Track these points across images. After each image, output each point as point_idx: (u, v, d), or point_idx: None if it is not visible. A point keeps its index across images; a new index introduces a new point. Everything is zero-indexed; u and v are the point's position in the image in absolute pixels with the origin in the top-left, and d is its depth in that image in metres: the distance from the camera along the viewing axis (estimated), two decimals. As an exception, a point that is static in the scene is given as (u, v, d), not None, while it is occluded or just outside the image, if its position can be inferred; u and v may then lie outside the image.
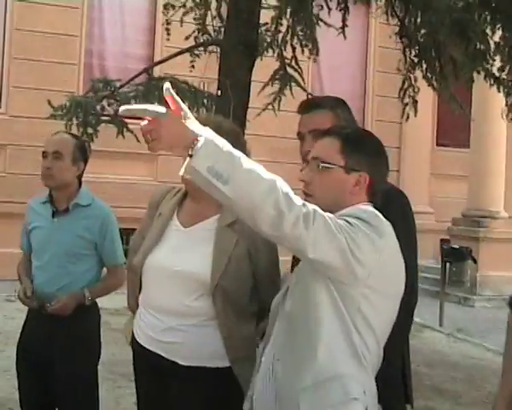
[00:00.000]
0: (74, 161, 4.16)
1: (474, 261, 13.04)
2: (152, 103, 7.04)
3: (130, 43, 14.06)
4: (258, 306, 3.32)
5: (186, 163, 2.14)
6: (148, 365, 3.33)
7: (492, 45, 8.45)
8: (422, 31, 8.94)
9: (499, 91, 8.65)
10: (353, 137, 2.63)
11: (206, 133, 2.14)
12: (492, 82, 8.66)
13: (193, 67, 8.97)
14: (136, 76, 8.97)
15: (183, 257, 3.23)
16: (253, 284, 3.30)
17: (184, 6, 8.02)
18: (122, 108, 2.15)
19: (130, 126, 9.02)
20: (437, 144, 16.25)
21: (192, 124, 2.15)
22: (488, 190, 13.75)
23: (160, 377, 3.28)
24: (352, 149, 2.55)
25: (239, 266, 3.23)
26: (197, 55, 8.97)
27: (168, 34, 8.13)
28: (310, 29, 7.34)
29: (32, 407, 4.21)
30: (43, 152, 4.17)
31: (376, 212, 2.49)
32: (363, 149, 2.59)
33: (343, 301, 2.37)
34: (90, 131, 8.95)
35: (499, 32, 8.35)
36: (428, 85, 9.53)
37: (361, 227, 2.33)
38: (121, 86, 8.82)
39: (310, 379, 2.40)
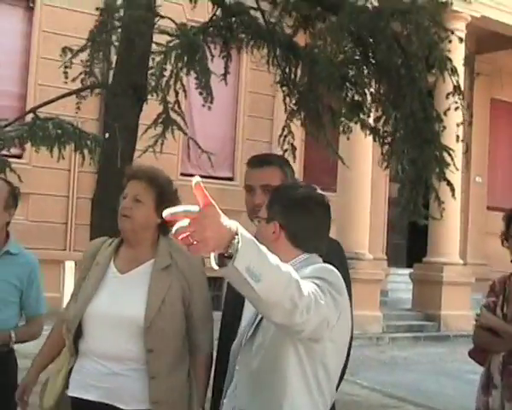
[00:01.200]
0: (6, 207, 4.09)
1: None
2: (36, 143, 7.10)
3: (2, 80, 13.84)
4: (189, 347, 3.49)
5: (215, 257, 2.14)
6: None
7: (369, 97, 8.90)
8: (302, 81, 9.34)
9: (375, 141, 9.10)
10: (276, 191, 2.89)
11: (239, 230, 2.13)
12: (368, 132, 9.10)
13: (79, 108, 9.00)
14: (21, 116, 8.93)
15: (121, 302, 3.38)
16: (186, 326, 3.45)
17: (82, 50, 8.05)
18: (166, 212, 2.07)
19: (13, 166, 8.99)
20: (303, 187, 16.75)
21: (224, 219, 2.12)
22: (354, 232, 14.34)
23: None
24: (272, 202, 2.81)
25: (173, 307, 3.39)
26: (83, 98, 9.01)
27: (66, 77, 8.13)
28: (205, 77, 7.54)
29: None
30: None
31: (333, 268, 2.69)
32: (278, 200, 2.81)
33: (308, 356, 2.58)
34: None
35: (375, 85, 8.80)
36: (306, 133, 9.94)
37: (328, 290, 2.52)
38: (6, 126, 8.73)
39: None
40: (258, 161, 3.64)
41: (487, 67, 16.87)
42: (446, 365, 12.67)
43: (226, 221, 2.10)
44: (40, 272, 4.26)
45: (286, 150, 9.92)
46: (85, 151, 9.32)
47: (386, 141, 8.90)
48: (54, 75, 13.38)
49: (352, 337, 3.03)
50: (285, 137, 9.90)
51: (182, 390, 3.39)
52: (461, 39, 9.11)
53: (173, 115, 9.51)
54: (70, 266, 14.07)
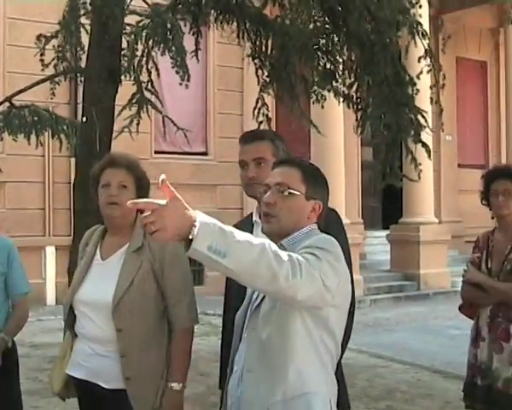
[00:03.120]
0: None
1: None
2: (13, 132, 7.13)
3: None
4: (169, 325, 3.61)
5: (185, 247, 2.35)
6: (81, 393, 3.70)
7: (341, 65, 9.01)
8: (274, 52, 9.42)
9: (349, 108, 9.21)
10: (310, 170, 2.99)
11: (199, 216, 2.34)
12: (342, 99, 9.22)
13: (53, 94, 9.03)
14: (-4, 105, 8.92)
15: (100, 287, 3.56)
16: (162, 304, 3.59)
17: (56, 36, 8.07)
18: (130, 202, 2.33)
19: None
20: (276, 157, 16.82)
21: (186, 209, 2.34)
22: (330, 198, 14.42)
23: (92, 401, 3.62)
24: (311, 180, 2.91)
25: (142, 286, 3.52)
26: (57, 83, 9.04)
27: (43, 65, 8.16)
28: (180, 56, 7.60)
29: None
30: None
31: (332, 238, 2.84)
32: (319, 182, 2.96)
33: (313, 321, 2.73)
34: None
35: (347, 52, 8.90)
36: (277, 104, 10.03)
37: (326, 258, 2.66)
38: (-18, 116, 8.73)
39: (279, 395, 2.73)
40: (250, 137, 3.75)
41: (451, 27, 16.98)
42: (428, 322, 12.90)
43: (188, 212, 2.33)
44: (17, 252, 4.32)
45: (261, 122, 10.02)
46: (62, 136, 9.35)
47: (360, 107, 9.02)
48: (22, 62, 13.42)
49: (354, 301, 3.17)
50: (259, 109, 9.99)
51: (155, 367, 3.52)
52: (429, 2, 9.22)
53: (147, 95, 9.58)
54: (51, 251, 14.12)
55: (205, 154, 16.28)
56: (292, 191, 2.86)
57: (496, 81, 21.11)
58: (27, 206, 14.06)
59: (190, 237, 2.31)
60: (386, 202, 18.72)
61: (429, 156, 8.40)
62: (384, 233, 17.52)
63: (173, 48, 7.59)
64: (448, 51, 17.92)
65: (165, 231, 2.29)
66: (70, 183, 14.24)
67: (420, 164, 8.26)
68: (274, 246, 2.50)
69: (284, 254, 2.49)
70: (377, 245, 17.80)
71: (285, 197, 2.85)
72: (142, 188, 3.63)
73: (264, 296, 2.85)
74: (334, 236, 2.90)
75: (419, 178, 8.39)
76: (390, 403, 7.60)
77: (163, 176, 2.30)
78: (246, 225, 3.64)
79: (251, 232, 3.41)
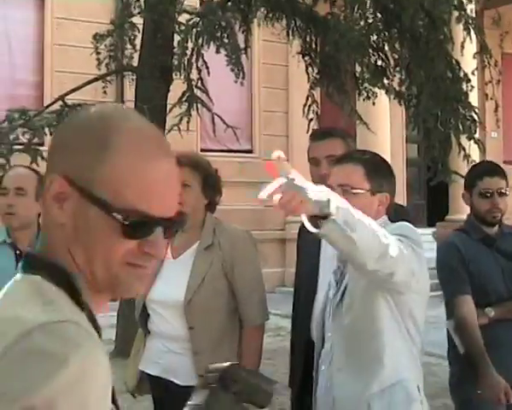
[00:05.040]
0: (37, 197, 3.76)
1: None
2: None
3: (17, 69, 13.91)
4: (240, 323, 3.62)
5: (311, 220, 2.33)
6: (155, 389, 3.73)
7: (392, 61, 8.97)
8: (324, 49, 9.41)
9: (400, 105, 9.17)
10: (373, 163, 2.96)
11: (329, 192, 2.34)
12: (393, 96, 9.17)
13: (105, 93, 9.10)
14: (50, 104, 9.01)
15: (172, 286, 3.58)
16: (233, 301, 3.59)
17: (111, 35, 8.14)
18: (263, 193, 2.26)
19: (45, 154, 9.11)
20: (324, 154, 16.77)
21: (310, 185, 2.30)
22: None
23: (166, 398, 3.62)
24: (375, 174, 2.89)
25: (213, 284, 3.53)
26: (109, 82, 9.12)
27: (99, 64, 8.24)
28: (235, 54, 7.63)
29: None
30: (3, 188, 3.81)
31: (410, 224, 2.83)
32: (383, 173, 2.93)
33: (398, 309, 2.73)
34: (1, 161, 8.91)
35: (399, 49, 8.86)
36: (331, 101, 10.02)
37: (410, 244, 2.66)
38: (35, 115, 8.82)
39: (376, 387, 2.75)
40: (321, 134, 3.76)
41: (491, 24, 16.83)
42: (477, 320, 12.76)
43: (317, 186, 2.31)
44: None
45: (311, 119, 10.01)
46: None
47: (411, 104, 8.97)
48: (69, 61, 13.55)
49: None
50: (309, 106, 9.99)
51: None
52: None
53: (197, 92, 9.63)
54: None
55: (250, 151, 16.28)
56: (356, 191, 2.84)
57: (542, 77, 20.84)
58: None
59: (326, 211, 2.29)
60: (432, 200, 18.58)
61: (483, 153, 8.33)
62: (429, 230, 17.36)
63: (228, 46, 7.59)
64: (493, 47, 17.76)
65: (303, 206, 2.25)
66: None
67: (474, 161, 8.18)
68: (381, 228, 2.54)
69: (388, 234, 2.52)
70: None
71: (350, 197, 2.79)
72: (210, 186, 3.64)
73: (344, 292, 2.85)
74: None
75: (473, 175, 8.29)
76: (446, 401, 7.54)
77: (280, 152, 2.25)
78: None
79: None
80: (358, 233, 2.36)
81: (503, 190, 4.05)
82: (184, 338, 3.51)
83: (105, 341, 6.60)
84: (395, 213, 3.04)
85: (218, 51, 7.93)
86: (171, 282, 3.59)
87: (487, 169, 4.27)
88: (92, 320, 1.27)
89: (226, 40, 7.71)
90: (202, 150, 15.24)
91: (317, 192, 2.27)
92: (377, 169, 2.93)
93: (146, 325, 3.72)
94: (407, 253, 2.58)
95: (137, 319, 3.78)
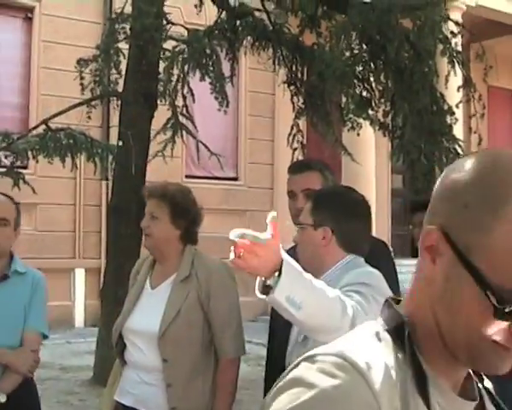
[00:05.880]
0: (16, 226, 3.78)
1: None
2: (49, 154, 7.14)
3: (3, 91, 13.86)
4: (216, 356, 3.56)
5: (259, 285, 2.27)
6: None
7: (377, 93, 8.99)
8: (310, 79, 9.43)
9: (384, 136, 9.18)
10: (321, 196, 2.93)
11: (284, 262, 2.25)
12: (378, 128, 9.19)
13: (89, 117, 9.07)
14: (34, 128, 8.98)
15: (148, 317, 3.54)
16: (208, 334, 3.54)
17: (96, 60, 8.13)
18: (234, 233, 2.18)
19: (27, 177, 9.08)
20: (308, 184, 16.73)
21: (278, 252, 2.25)
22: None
23: None
24: (318, 207, 2.83)
25: (188, 316, 3.48)
26: (94, 107, 9.09)
27: (83, 89, 8.21)
28: (220, 82, 7.62)
29: None
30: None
31: (376, 271, 2.77)
32: (327, 205, 2.86)
33: None
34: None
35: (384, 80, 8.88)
36: (315, 131, 10.04)
37: (371, 295, 2.58)
38: (19, 138, 8.79)
39: None
40: (298, 167, 3.71)
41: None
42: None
43: (278, 257, 2.24)
44: (46, 291, 3.89)
45: (295, 149, 10.02)
46: (97, 160, 9.39)
47: (395, 135, 8.99)
48: (56, 85, 13.51)
49: None
50: (294, 135, 10.00)
51: (200, 398, 3.49)
52: (462, 31, 9.15)
53: (182, 119, 9.63)
54: (80, 273, 14.15)
55: (235, 179, 16.26)
56: (301, 226, 2.84)
57: (527, 110, 21.02)
58: (58, 228, 14.08)
59: (270, 282, 2.26)
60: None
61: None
62: (413, 262, 17.32)
63: (212, 74, 7.59)
64: (479, 80, 17.89)
65: (247, 266, 2.23)
66: (101, 206, 14.34)
67: (457, 194, 8.18)
68: (344, 298, 2.44)
69: (349, 307, 2.44)
70: (406, 273, 17.63)
71: (299, 234, 2.85)
72: (180, 216, 3.59)
73: None
74: (384, 268, 2.85)
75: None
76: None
77: (274, 213, 2.23)
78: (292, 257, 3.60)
79: None
80: (306, 311, 2.29)
81: None
82: (158, 369, 3.47)
83: (84, 367, 6.66)
84: (373, 249, 2.99)
85: (202, 79, 7.93)
86: (147, 312, 3.56)
87: None
88: (419, 378, 1.16)
89: (211, 68, 7.70)
90: (187, 177, 15.22)
91: (273, 261, 2.24)
92: (323, 202, 2.89)
93: (122, 354, 3.67)
94: (367, 315, 2.52)
95: (114, 347, 3.74)
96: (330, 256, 2.79)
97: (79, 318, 14.09)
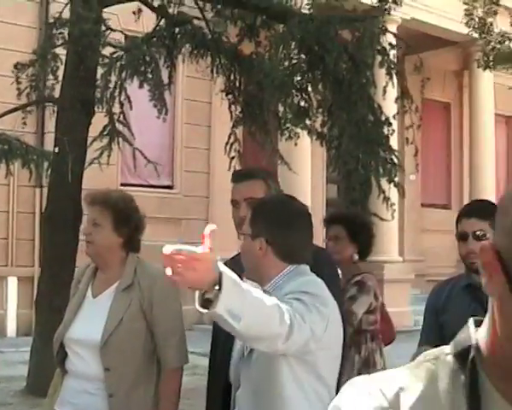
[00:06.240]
0: None
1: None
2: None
3: None
4: (159, 365, 3.53)
5: (198, 298, 2.27)
6: None
7: (315, 102, 9.05)
8: (248, 88, 9.46)
9: (322, 146, 9.25)
10: (259, 206, 2.94)
11: (224, 275, 2.26)
12: (315, 137, 9.25)
13: (25, 123, 8.95)
14: (-33, 133, 8.79)
15: (90, 325, 3.49)
16: (151, 343, 3.51)
17: (33, 65, 8.00)
18: (167, 248, 2.19)
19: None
20: (245, 193, 16.73)
21: (214, 265, 2.26)
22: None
23: None
24: (256, 218, 2.84)
25: (131, 325, 3.44)
26: (29, 112, 8.96)
27: (19, 94, 8.07)
28: (159, 89, 7.58)
29: None
30: None
31: (318, 280, 2.79)
32: (263, 216, 2.87)
33: (300, 367, 2.66)
34: None
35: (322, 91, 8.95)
36: (253, 140, 10.06)
37: (312, 302, 2.60)
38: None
39: None
40: (241, 175, 3.69)
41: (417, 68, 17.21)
42: (393, 361, 12.85)
43: (214, 270, 2.25)
44: None
45: (233, 157, 10.03)
46: (32, 166, 9.25)
47: (332, 145, 9.06)
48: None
49: (345, 344, 3.11)
50: (231, 144, 10.00)
51: (142, 407, 3.46)
52: (399, 43, 9.30)
53: (118, 127, 9.56)
54: (13, 281, 13.91)
55: (170, 187, 16.19)
56: (242, 234, 2.87)
57: (459, 122, 21.39)
58: (-10, 235, 13.84)
59: (209, 296, 2.26)
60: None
61: (402, 196, 8.45)
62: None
63: (151, 81, 7.55)
64: (414, 92, 18.16)
65: (185, 281, 2.22)
66: (34, 213, 14.10)
67: (393, 204, 8.29)
68: (282, 305, 2.44)
69: (286, 315, 2.44)
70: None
71: (243, 242, 2.86)
72: (122, 224, 3.55)
73: None
74: (327, 276, 2.86)
75: (392, 218, 8.43)
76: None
77: (213, 226, 2.25)
78: (237, 265, 3.58)
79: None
80: (245, 323, 2.30)
81: (478, 233, 3.51)
82: (100, 379, 3.42)
83: (17, 377, 6.52)
84: (316, 257, 3.00)
85: (141, 86, 7.87)
86: (88, 321, 3.51)
87: (465, 210, 3.79)
88: (472, 400, 1.12)
89: (150, 75, 7.65)
90: (122, 185, 15.08)
91: (210, 274, 2.25)
92: (260, 214, 2.90)
93: (63, 363, 3.61)
94: (307, 325, 2.52)
95: (55, 357, 3.67)
96: (269, 266, 2.79)
97: (12, 327, 13.83)
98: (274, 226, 2.82)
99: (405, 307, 16.45)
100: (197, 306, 2.28)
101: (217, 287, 2.24)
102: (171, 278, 2.21)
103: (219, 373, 3.38)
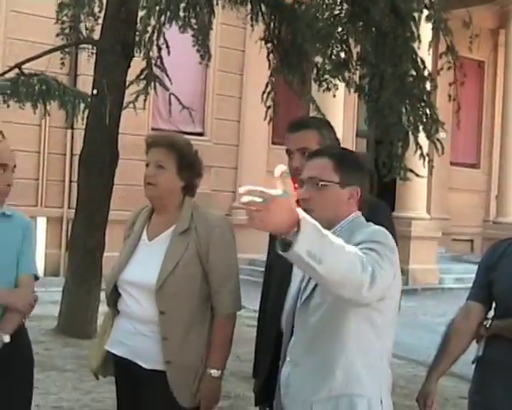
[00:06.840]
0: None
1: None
2: (20, 99, 7.01)
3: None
4: (212, 311, 3.51)
5: (279, 242, 2.27)
6: (119, 370, 3.60)
7: (355, 55, 8.95)
8: (287, 37, 9.35)
9: (360, 99, 9.16)
10: (344, 156, 2.91)
11: (302, 217, 2.24)
12: (354, 90, 9.15)
13: (63, 64, 8.91)
14: (5, 72, 8.77)
15: (146, 268, 3.47)
16: (206, 288, 3.49)
17: (75, 6, 7.93)
18: (243, 189, 2.16)
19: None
20: (272, 143, 16.70)
21: (293, 207, 2.25)
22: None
23: (129, 380, 3.52)
24: (344, 167, 2.82)
25: (188, 270, 3.42)
26: (68, 53, 8.92)
27: (59, 34, 8.01)
28: (202, 35, 7.50)
29: None
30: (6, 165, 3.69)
31: (384, 230, 2.77)
32: (353, 166, 2.87)
33: (365, 321, 2.66)
34: None
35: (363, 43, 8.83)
36: (286, 90, 9.97)
37: (384, 252, 2.57)
38: (-10, 81, 8.60)
39: (324, 392, 2.68)
40: (296, 125, 3.63)
41: (453, 25, 16.96)
42: (418, 318, 12.89)
43: (293, 211, 2.24)
44: (34, 235, 3.88)
45: (269, 107, 9.96)
46: (69, 107, 9.25)
47: (371, 98, 8.96)
48: (23, 29, 13.22)
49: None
50: (268, 93, 9.93)
51: (196, 352, 3.44)
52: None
53: (156, 71, 9.52)
54: (42, 222, 13.99)
55: (201, 134, 16.14)
56: (324, 183, 2.79)
57: (492, 82, 21.14)
58: (21, 175, 13.83)
59: (289, 238, 2.24)
60: (378, 196, 18.68)
61: (442, 153, 8.36)
62: (374, 227, 17.51)
63: (195, 26, 7.47)
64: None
65: (265, 224, 2.20)
66: (65, 154, 14.15)
67: (432, 160, 8.22)
68: (360, 252, 2.44)
69: (368, 263, 2.43)
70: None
71: (319, 190, 2.78)
72: (186, 168, 3.53)
73: (314, 288, 2.79)
74: (385, 226, 2.84)
75: (431, 174, 8.35)
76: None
77: (283, 167, 2.23)
78: None
79: None
80: (327, 266, 2.29)
81: None
82: (154, 322, 3.42)
83: (48, 317, 6.49)
84: (371, 208, 2.98)
85: (183, 31, 7.79)
86: (144, 264, 3.49)
87: None
88: None
89: (193, 20, 7.57)
90: (153, 129, 15.08)
91: (290, 216, 2.23)
92: (346, 162, 2.87)
93: (115, 304, 3.61)
94: (384, 271, 2.51)
95: (107, 297, 3.66)
96: (344, 213, 2.80)
97: (39, 267, 13.89)
98: (364, 177, 2.86)
99: (432, 265, 16.45)
100: (277, 248, 2.28)
101: (295, 229, 2.23)
102: (250, 222, 2.19)
103: (270, 322, 3.38)
